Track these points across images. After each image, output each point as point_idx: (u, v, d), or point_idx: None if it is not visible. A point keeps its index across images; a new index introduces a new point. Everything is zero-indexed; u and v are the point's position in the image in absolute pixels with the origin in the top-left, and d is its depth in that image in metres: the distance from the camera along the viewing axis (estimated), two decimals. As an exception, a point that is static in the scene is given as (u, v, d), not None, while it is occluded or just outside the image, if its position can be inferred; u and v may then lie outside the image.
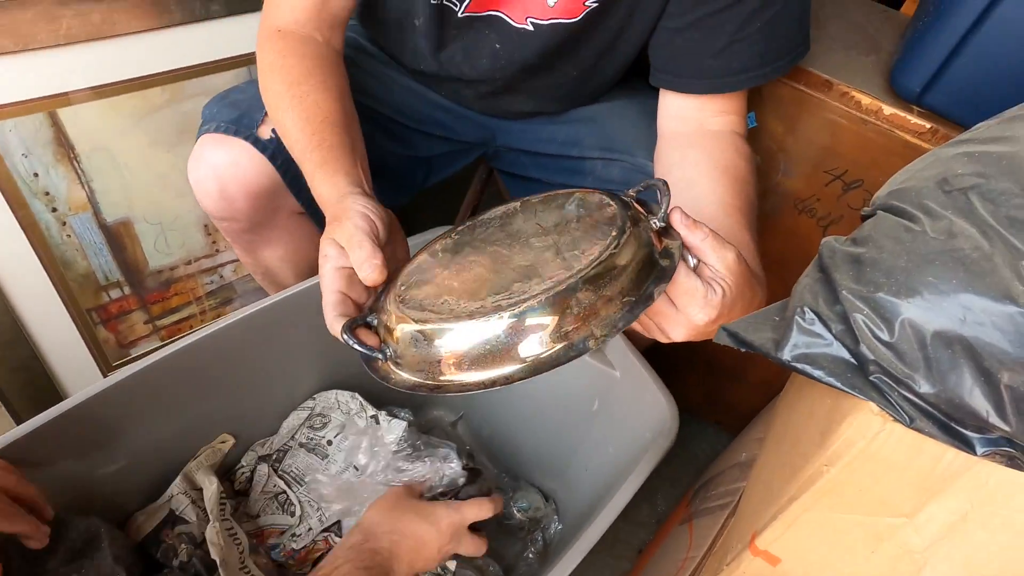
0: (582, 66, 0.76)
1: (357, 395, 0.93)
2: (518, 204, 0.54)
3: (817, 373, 0.40)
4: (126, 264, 0.98)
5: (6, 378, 0.90)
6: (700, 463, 1.21)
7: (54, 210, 0.89)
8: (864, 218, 0.44)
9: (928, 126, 0.72)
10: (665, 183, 0.47)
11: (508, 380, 0.43)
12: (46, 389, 0.95)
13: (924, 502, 0.41)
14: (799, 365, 0.40)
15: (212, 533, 0.76)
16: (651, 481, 1.16)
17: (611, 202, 0.48)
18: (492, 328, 0.42)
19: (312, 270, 0.86)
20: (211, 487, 0.80)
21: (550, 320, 0.42)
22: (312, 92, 0.65)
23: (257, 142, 0.70)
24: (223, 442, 0.85)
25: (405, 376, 0.46)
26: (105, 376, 1.01)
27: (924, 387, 0.36)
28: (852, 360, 0.38)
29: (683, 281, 0.46)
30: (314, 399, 0.93)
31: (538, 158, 0.87)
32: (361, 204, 0.54)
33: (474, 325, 0.43)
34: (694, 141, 0.68)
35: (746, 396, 1.08)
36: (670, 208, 0.47)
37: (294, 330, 0.84)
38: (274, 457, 0.88)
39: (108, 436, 0.71)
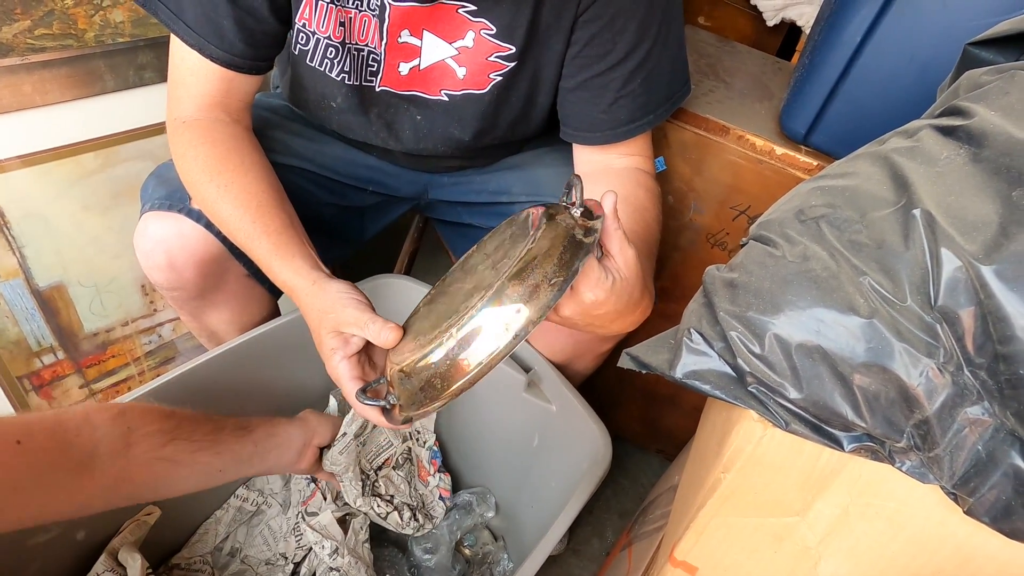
0: (499, 129, 0.81)
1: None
2: (475, 247, 0.61)
3: (705, 387, 0.44)
4: (60, 328, 0.97)
5: (-69, 452, 0.87)
6: (645, 494, 1.24)
7: (-17, 277, 0.89)
8: (742, 247, 0.49)
9: (815, 163, 0.80)
10: (579, 176, 0.54)
11: (475, 380, 0.51)
12: (-26, 461, 0.93)
13: (811, 500, 0.45)
14: (690, 381, 0.45)
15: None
16: (600, 514, 1.20)
17: (533, 211, 0.55)
18: (447, 347, 0.50)
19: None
20: (135, 565, 0.77)
21: (491, 321, 0.49)
22: (236, 178, 0.67)
23: (192, 214, 0.72)
24: (148, 514, 0.83)
25: (410, 412, 0.55)
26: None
27: (793, 393, 0.41)
28: (732, 373, 0.43)
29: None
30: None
31: (471, 207, 0.91)
32: (337, 291, 0.62)
33: (435, 350, 0.51)
34: (601, 178, 0.74)
35: (682, 423, 1.12)
36: (605, 195, 0.54)
37: (234, 395, 0.85)
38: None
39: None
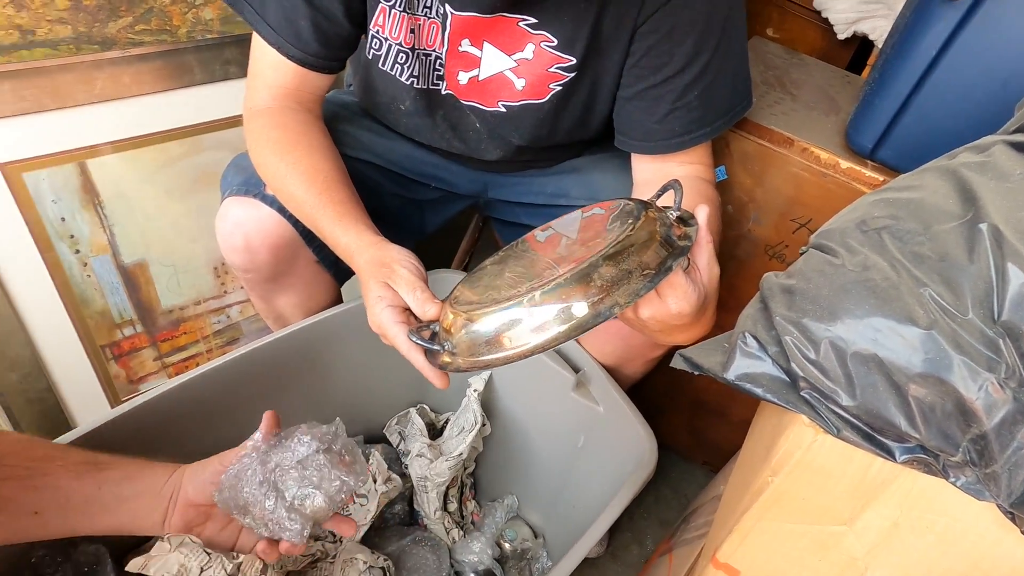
0: (557, 135, 0.83)
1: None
2: (556, 220, 0.63)
3: (757, 391, 0.45)
4: (140, 303, 1.04)
5: (22, 408, 0.95)
6: (688, 504, 1.23)
7: (77, 251, 0.96)
8: (801, 255, 0.49)
9: (881, 178, 0.79)
10: (678, 182, 0.55)
11: (546, 346, 0.50)
12: (58, 421, 1.00)
13: (860, 510, 0.45)
14: (742, 384, 0.45)
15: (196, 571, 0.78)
16: (641, 522, 1.20)
17: (630, 202, 0.56)
18: (526, 308, 0.50)
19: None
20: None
21: (577, 293, 0.49)
22: (304, 157, 0.72)
23: (267, 199, 0.77)
24: None
25: (463, 361, 0.54)
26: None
27: (847, 400, 0.41)
28: (786, 378, 0.44)
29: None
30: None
31: (529, 207, 0.94)
32: (398, 252, 0.63)
33: (511, 307, 0.51)
34: (661, 186, 0.74)
35: (730, 435, 1.11)
36: (700, 207, 0.55)
37: (295, 369, 0.89)
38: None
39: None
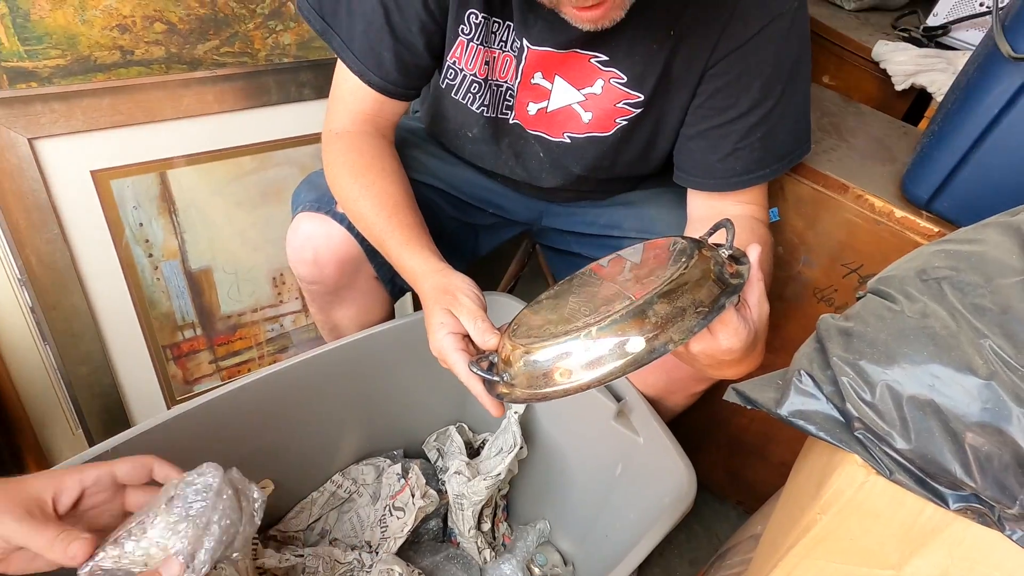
0: (617, 168, 0.86)
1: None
2: (612, 256, 0.65)
3: (810, 428, 0.46)
4: (202, 308, 1.09)
5: (89, 402, 1.00)
6: (719, 545, 1.22)
7: (150, 255, 1.01)
8: (858, 299, 0.51)
9: (936, 229, 0.80)
10: (730, 221, 0.57)
11: (602, 380, 0.52)
12: (118, 416, 1.05)
13: (909, 555, 0.46)
14: (795, 420, 0.46)
15: (243, 570, 0.81)
16: (671, 558, 1.20)
17: (683, 240, 0.58)
18: (582, 342, 0.52)
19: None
20: None
21: (632, 329, 0.51)
22: (376, 181, 0.77)
23: (337, 216, 0.81)
24: (263, 487, 0.91)
25: (520, 393, 0.56)
26: (169, 409, 1.10)
27: (901, 443, 0.42)
28: (840, 417, 0.45)
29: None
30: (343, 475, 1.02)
31: (581, 237, 0.96)
32: (462, 280, 0.67)
33: (569, 342, 0.53)
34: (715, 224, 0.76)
35: (767, 476, 1.11)
36: (752, 246, 0.57)
37: (345, 379, 0.92)
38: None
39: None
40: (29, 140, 0.86)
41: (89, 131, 0.90)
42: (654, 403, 0.90)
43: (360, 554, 0.91)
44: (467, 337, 0.64)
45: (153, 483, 0.59)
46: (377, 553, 0.93)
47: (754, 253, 0.57)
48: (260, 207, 1.10)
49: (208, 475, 0.57)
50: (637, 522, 0.90)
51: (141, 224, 0.99)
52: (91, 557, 0.52)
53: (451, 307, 0.64)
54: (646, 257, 0.60)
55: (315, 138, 1.11)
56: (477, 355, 0.63)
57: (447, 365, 0.64)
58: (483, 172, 0.94)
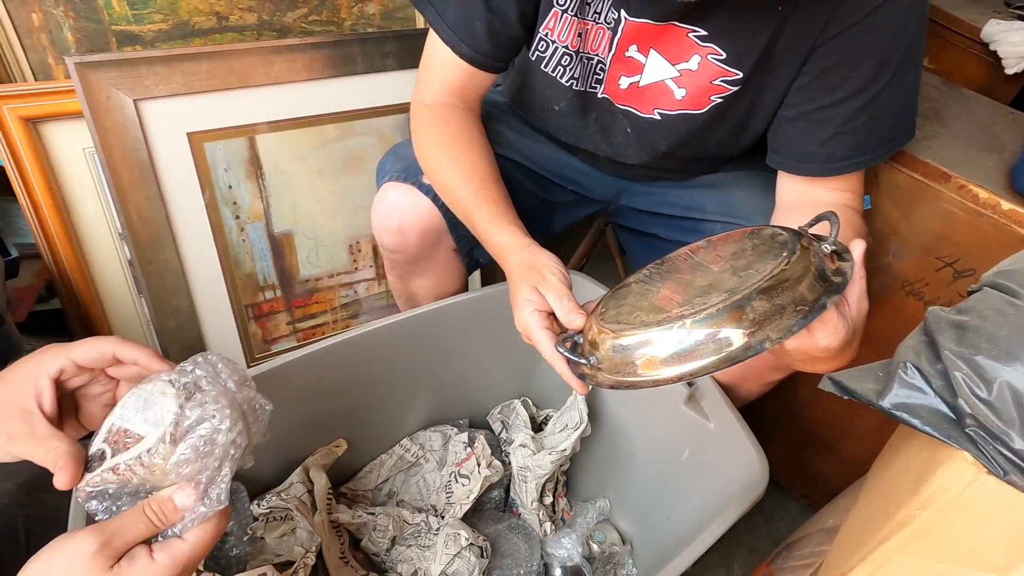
0: (706, 149, 0.84)
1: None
2: (702, 242, 0.62)
3: (915, 422, 0.44)
4: (282, 270, 1.13)
5: (176, 355, 1.06)
6: (779, 537, 1.20)
7: (237, 217, 1.05)
8: (971, 293, 0.48)
9: (1047, 224, 0.75)
10: (835, 214, 0.54)
11: (693, 375, 0.51)
12: (202, 369, 1.10)
13: (1017, 560, 0.44)
14: (899, 413, 0.45)
15: (319, 523, 0.85)
16: (729, 546, 1.19)
17: (783, 232, 0.56)
18: (676, 333, 0.50)
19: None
20: (321, 482, 0.90)
21: (728, 325, 0.49)
22: (464, 154, 0.77)
23: (423, 187, 0.82)
24: (337, 446, 0.95)
25: (606, 378, 0.55)
26: (248, 366, 1.15)
27: (1019, 444, 0.40)
28: (949, 413, 0.43)
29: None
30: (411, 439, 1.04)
31: (659, 218, 0.95)
32: (548, 258, 0.66)
33: (661, 332, 0.51)
34: (806, 210, 0.73)
35: (836, 471, 1.08)
36: (856, 242, 0.54)
37: (418, 348, 0.94)
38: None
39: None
40: (134, 101, 0.90)
41: (187, 94, 0.94)
42: (727, 389, 0.89)
43: (427, 517, 0.93)
44: (551, 315, 0.64)
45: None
46: (442, 517, 0.96)
47: (858, 250, 0.54)
48: (340, 175, 1.13)
49: (201, 371, 0.48)
50: (701, 507, 0.90)
51: (230, 186, 1.03)
52: (86, 472, 0.46)
53: (537, 284, 0.64)
54: (743, 246, 0.58)
55: (396, 108, 1.12)
56: (561, 333, 0.63)
57: (531, 342, 0.65)
58: (564, 148, 0.93)
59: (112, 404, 0.53)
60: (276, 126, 1.04)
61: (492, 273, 1.34)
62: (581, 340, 0.61)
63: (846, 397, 0.49)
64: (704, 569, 1.14)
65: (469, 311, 0.94)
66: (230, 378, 0.48)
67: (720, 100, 0.77)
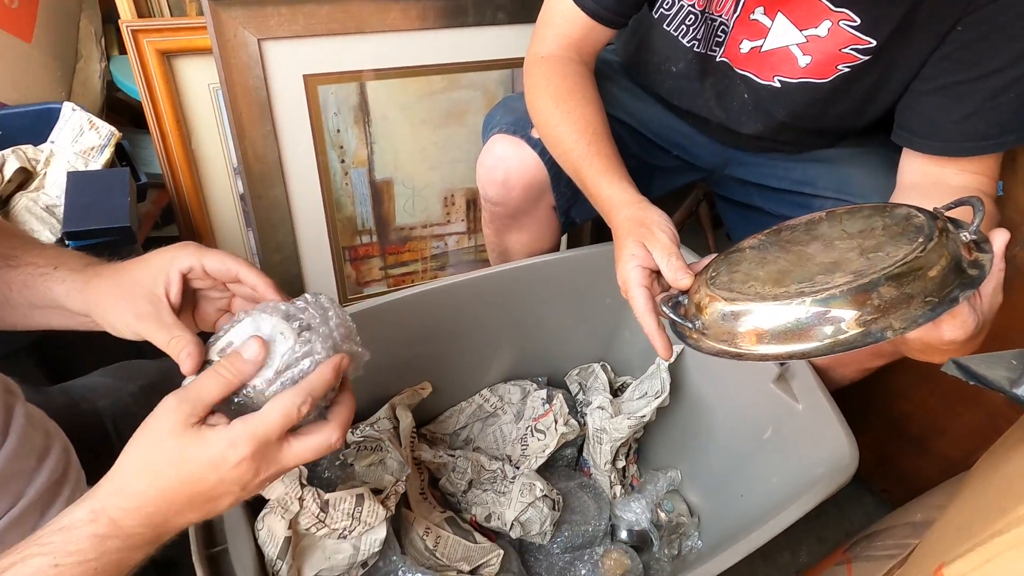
0: (826, 121, 0.80)
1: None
2: (823, 213, 0.60)
3: (1054, 414, 0.42)
4: (379, 217, 1.16)
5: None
6: (851, 528, 1.17)
7: (342, 161, 1.09)
8: None
9: None
10: (980, 199, 0.51)
11: (805, 355, 0.49)
12: (299, 305, 1.16)
13: None
14: (1036, 403, 0.43)
15: (407, 457, 0.89)
16: (798, 532, 1.17)
17: (919, 214, 0.53)
18: (794, 310, 0.49)
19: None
20: (406, 420, 0.94)
21: (850, 308, 0.47)
22: (577, 107, 0.76)
23: (531, 141, 0.82)
24: (423, 388, 0.99)
25: (711, 344, 0.54)
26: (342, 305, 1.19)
27: None
28: (1094, 407, 0.41)
29: None
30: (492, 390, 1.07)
31: (765, 190, 0.92)
32: (659, 215, 0.65)
33: (778, 306, 0.50)
34: (932, 193, 0.69)
35: (923, 469, 1.04)
36: (998, 232, 0.51)
37: (505, 302, 0.96)
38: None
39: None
40: (258, 40, 0.93)
41: (306, 36, 0.97)
42: (820, 372, 0.86)
43: (503, 465, 0.96)
44: (654, 274, 0.63)
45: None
46: (517, 467, 0.99)
47: (1000, 241, 0.50)
48: (442, 127, 1.14)
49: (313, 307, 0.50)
50: (780, 488, 0.88)
51: (338, 130, 1.06)
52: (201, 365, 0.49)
53: (645, 240, 0.63)
54: (872, 224, 0.55)
55: (504, 63, 1.12)
56: (662, 293, 0.63)
57: (627, 296, 0.64)
58: (674, 111, 0.91)
59: (226, 310, 0.58)
60: (385, 74, 1.06)
61: (578, 237, 1.34)
62: (684, 301, 0.60)
63: (972, 383, 0.48)
64: (770, 550, 1.13)
65: (559, 271, 0.95)
66: (337, 328, 0.50)
67: (847, 69, 0.73)
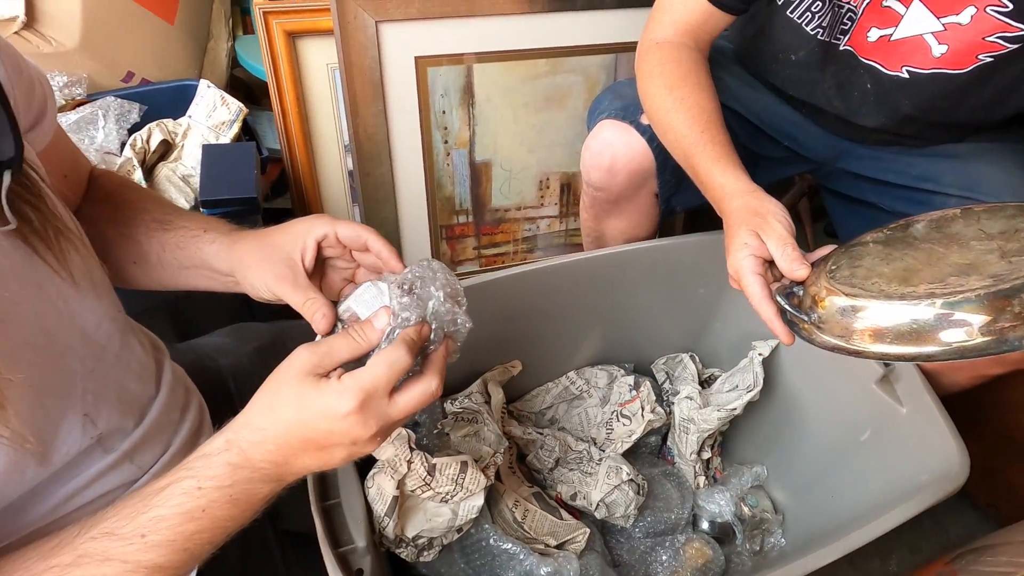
0: (957, 115, 0.76)
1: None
2: (957, 211, 0.58)
3: None
4: (476, 198, 1.19)
5: (379, 261, 1.17)
6: (947, 541, 1.13)
7: (445, 142, 1.12)
8: None
9: None
10: None
11: (928, 359, 0.48)
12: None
13: None
14: None
15: (500, 432, 0.92)
16: (890, 540, 1.13)
17: None
18: (921, 312, 0.47)
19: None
20: (498, 396, 0.97)
21: (985, 314, 0.45)
22: (691, 94, 0.75)
23: (640, 127, 0.82)
24: (513, 366, 1.01)
25: (826, 338, 0.53)
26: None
27: None
28: None
29: None
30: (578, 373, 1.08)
31: (881, 185, 0.88)
32: (774, 204, 0.64)
33: (904, 306, 0.48)
34: None
35: (1035, 487, 0.99)
36: None
37: (597, 287, 0.96)
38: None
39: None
40: (376, 22, 0.97)
41: (420, 19, 1.00)
42: (930, 376, 0.83)
43: (589, 447, 0.98)
44: (767, 263, 0.63)
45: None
46: (602, 451, 1.00)
47: None
48: (543, 111, 1.15)
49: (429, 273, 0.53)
50: (877, 492, 0.86)
51: (444, 112, 1.09)
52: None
53: (759, 229, 0.62)
54: (1017, 226, 0.52)
55: (607, 48, 1.12)
56: (776, 282, 0.62)
57: (740, 286, 0.64)
58: (787, 101, 0.89)
59: (350, 281, 0.62)
60: (491, 57, 1.08)
61: (671, 227, 1.33)
62: (800, 292, 0.59)
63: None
64: (858, 555, 1.10)
65: (655, 259, 0.95)
66: (442, 288, 0.52)
67: (989, 60, 0.69)
